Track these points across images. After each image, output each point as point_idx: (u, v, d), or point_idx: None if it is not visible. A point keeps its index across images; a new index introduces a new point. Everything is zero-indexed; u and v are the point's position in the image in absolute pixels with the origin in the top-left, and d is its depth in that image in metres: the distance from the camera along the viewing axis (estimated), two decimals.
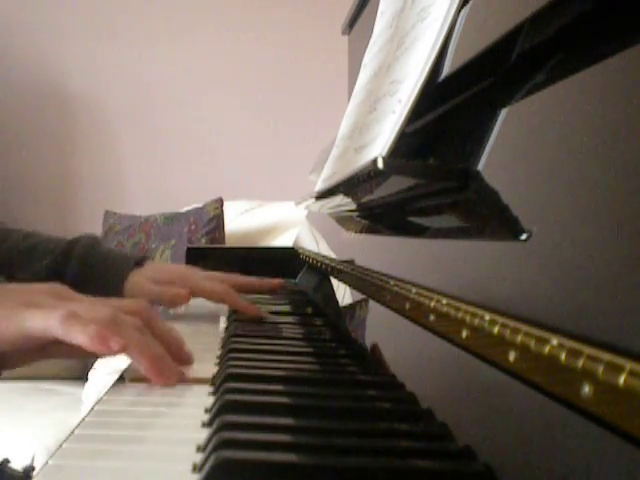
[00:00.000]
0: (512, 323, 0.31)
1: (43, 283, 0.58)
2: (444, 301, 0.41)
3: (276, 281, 0.99)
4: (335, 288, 0.82)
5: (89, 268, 0.87)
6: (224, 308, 0.91)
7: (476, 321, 0.35)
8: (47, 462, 0.36)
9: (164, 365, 0.52)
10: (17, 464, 0.74)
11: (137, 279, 0.85)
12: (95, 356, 0.54)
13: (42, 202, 2.73)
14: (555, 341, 0.27)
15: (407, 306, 0.48)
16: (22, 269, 0.86)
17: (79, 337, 0.48)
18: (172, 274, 0.88)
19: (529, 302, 0.34)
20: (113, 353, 0.49)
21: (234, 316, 0.83)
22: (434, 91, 0.55)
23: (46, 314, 0.50)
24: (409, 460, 0.36)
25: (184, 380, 0.53)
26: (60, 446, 0.38)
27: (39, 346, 0.52)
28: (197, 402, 0.47)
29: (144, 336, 0.52)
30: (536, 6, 0.40)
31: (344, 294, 0.77)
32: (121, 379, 0.55)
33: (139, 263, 0.88)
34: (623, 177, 0.29)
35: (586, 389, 0.24)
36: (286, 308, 0.93)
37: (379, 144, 0.56)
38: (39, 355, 0.55)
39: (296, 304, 0.97)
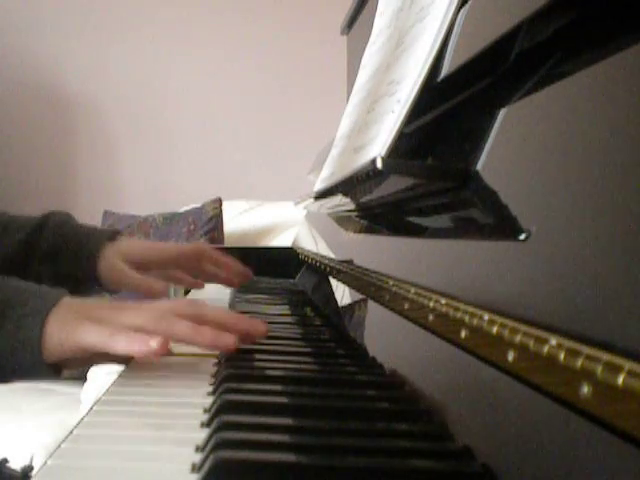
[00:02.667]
0: (511, 323, 0.31)
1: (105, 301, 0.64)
2: (443, 301, 0.41)
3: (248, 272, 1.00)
4: (334, 288, 0.82)
5: (62, 241, 0.86)
6: (225, 304, 0.91)
7: (475, 321, 0.35)
8: (46, 462, 0.36)
9: (218, 341, 0.56)
10: (16, 464, 0.74)
11: (111, 258, 0.85)
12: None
13: (41, 202, 2.72)
14: (554, 341, 0.27)
15: (406, 306, 0.48)
16: None
17: (124, 349, 0.54)
18: (144, 254, 0.89)
19: (528, 302, 0.34)
20: (158, 352, 0.52)
21: None
22: (433, 91, 0.55)
23: (99, 331, 0.55)
24: (408, 460, 0.36)
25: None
26: (59, 446, 0.38)
27: (92, 354, 0.57)
28: (196, 402, 0.47)
29: (190, 324, 0.56)
30: (535, 6, 0.40)
31: (343, 294, 0.77)
32: (120, 379, 0.55)
33: (111, 237, 0.87)
34: (622, 177, 0.29)
35: (585, 389, 0.24)
36: (285, 308, 0.93)
37: (378, 144, 0.56)
38: (91, 361, 0.61)
39: (295, 304, 0.96)
